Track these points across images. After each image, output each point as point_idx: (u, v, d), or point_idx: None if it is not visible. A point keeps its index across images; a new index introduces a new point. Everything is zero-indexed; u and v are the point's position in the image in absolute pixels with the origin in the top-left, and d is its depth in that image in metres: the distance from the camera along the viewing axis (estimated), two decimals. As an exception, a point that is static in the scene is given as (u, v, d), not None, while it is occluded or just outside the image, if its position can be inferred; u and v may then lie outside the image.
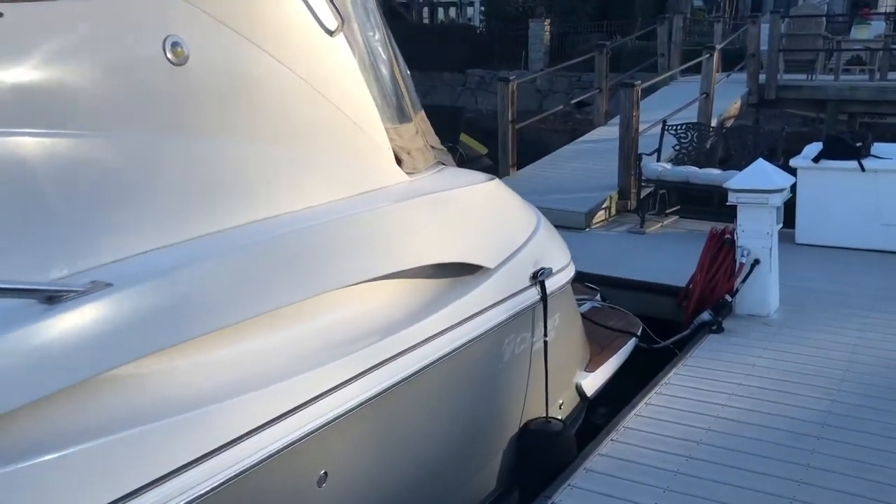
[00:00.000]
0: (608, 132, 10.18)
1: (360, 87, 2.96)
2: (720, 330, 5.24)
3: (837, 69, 13.11)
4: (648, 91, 13.04)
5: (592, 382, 4.51)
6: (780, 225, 5.54)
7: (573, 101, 12.12)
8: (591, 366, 4.62)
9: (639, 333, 5.23)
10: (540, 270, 3.53)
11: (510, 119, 9.01)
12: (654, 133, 8.66)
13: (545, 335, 3.57)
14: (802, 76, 13.08)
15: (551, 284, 3.68)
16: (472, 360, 3.08)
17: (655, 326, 6.08)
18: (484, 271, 3.18)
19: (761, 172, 5.43)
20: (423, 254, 2.86)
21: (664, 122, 8.53)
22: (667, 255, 7.07)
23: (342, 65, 2.89)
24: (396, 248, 2.78)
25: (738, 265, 5.46)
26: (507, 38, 23.42)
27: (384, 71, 3.35)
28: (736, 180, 5.48)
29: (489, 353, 3.20)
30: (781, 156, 7.80)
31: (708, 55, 10.04)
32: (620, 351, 4.97)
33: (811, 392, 4.27)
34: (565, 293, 4.01)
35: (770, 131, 8.53)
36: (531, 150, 10.92)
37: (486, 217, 3.32)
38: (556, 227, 8.01)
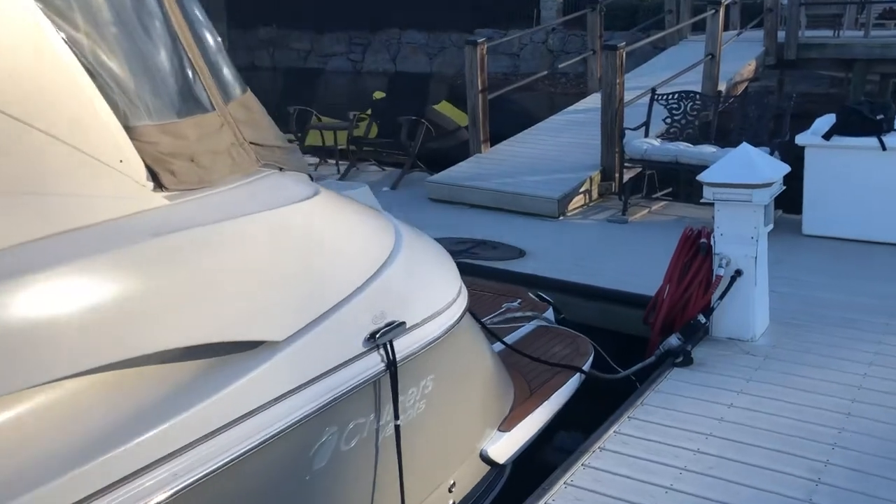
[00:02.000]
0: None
1: (51, 73, 1.95)
2: (687, 362, 4.17)
3: (868, 23, 11.70)
4: (651, 53, 11.84)
5: (509, 445, 3.48)
6: (770, 226, 4.43)
7: (561, 66, 10.88)
8: (512, 420, 3.58)
9: (586, 367, 4.18)
10: (385, 327, 2.50)
11: (480, 88, 7.88)
12: (645, 103, 7.48)
13: (396, 417, 2.54)
14: (828, 32, 11.70)
15: (413, 341, 2.65)
16: (247, 480, 2.07)
17: (622, 344, 5.05)
18: (268, 347, 2.16)
19: (744, 161, 4.30)
20: (128, 339, 1.84)
21: (653, 90, 7.35)
22: (649, 250, 5.95)
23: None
24: (58, 340, 1.75)
25: (714, 277, 4.37)
26: (518, -6, 22.03)
27: (142, 50, 2.32)
28: (712, 171, 4.36)
29: (283, 465, 2.19)
30: (789, 131, 6.61)
31: (713, 11, 8.77)
32: (558, 392, 3.93)
33: (791, 466, 3.21)
34: (454, 339, 2.98)
35: (777, 100, 7.30)
36: (515, 120, 9.79)
37: (283, 259, 2.28)
38: (526, 214, 7.17)
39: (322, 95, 18.87)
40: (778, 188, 4.38)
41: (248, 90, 2.95)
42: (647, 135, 7.21)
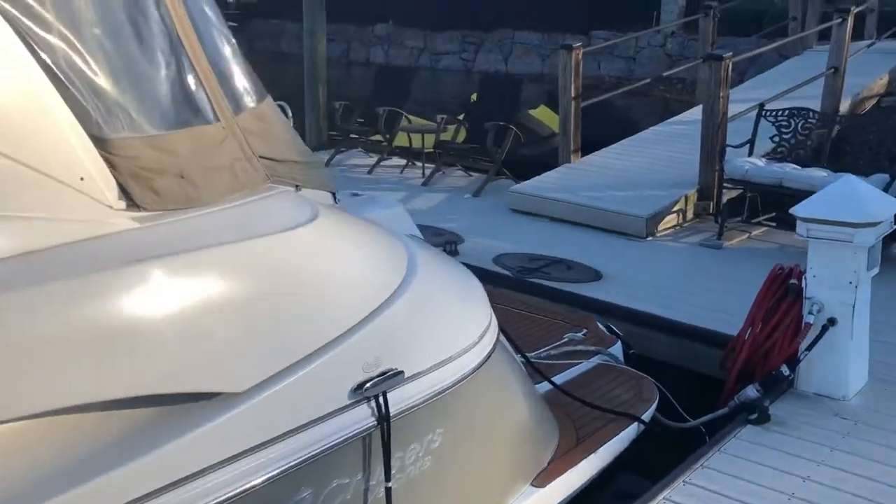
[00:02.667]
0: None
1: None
2: (764, 419, 3.67)
3: None
4: (777, 62, 10.99)
5: (542, 503, 3.10)
6: (875, 271, 3.85)
7: (665, 74, 10.26)
8: (549, 473, 3.20)
9: (646, 415, 3.74)
10: (379, 376, 2.18)
11: (573, 94, 7.44)
12: (752, 118, 6.86)
13: (387, 479, 2.22)
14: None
15: (416, 391, 2.33)
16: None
17: (697, 385, 4.57)
18: (225, 400, 1.88)
19: (847, 194, 3.74)
20: (36, 391, 1.60)
21: (761, 105, 6.72)
22: (742, 282, 5.35)
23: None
24: None
25: (803, 324, 3.84)
26: (639, -5, 21.23)
27: (130, 54, 2.10)
28: (809, 203, 3.82)
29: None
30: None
31: (840, 19, 8.01)
32: (609, 443, 3.51)
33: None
34: (473, 386, 2.63)
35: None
36: (617, 127, 9.26)
37: (254, 297, 1.99)
38: (612, 232, 6.69)
39: (426, 95, 18.75)
40: (888, 227, 3.80)
41: (268, 99, 2.69)
42: (751, 153, 6.60)
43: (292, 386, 1.99)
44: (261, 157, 2.52)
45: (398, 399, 2.25)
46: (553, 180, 7.36)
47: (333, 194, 2.84)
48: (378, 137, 8.87)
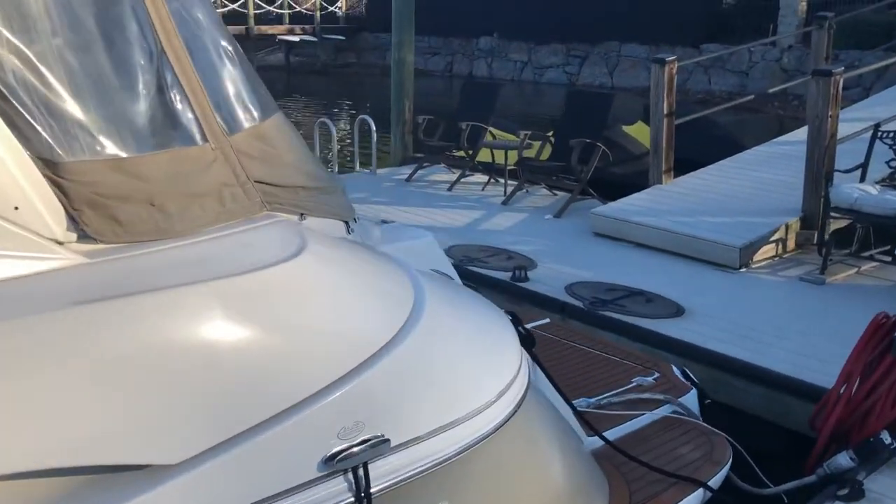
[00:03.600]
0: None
1: None
2: (856, 495, 3.13)
3: None
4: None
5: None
6: None
7: (771, 90, 9.52)
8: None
9: (715, 482, 3.26)
10: (359, 444, 1.85)
11: (666, 112, 6.93)
12: (865, 140, 6.19)
13: (362, 568, 1.88)
14: None
15: (410, 460, 1.98)
16: None
17: (786, 442, 4.06)
18: (154, 473, 1.59)
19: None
20: None
21: (876, 126, 6.04)
22: (845, 324, 4.77)
23: None
24: None
25: (910, 385, 3.28)
26: (754, 7, 20.23)
27: (98, 66, 1.87)
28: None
29: None
30: None
31: (975, 31, 7.17)
32: (668, 512, 3.07)
33: None
34: (488, 450, 2.26)
35: None
36: (720, 146, 8.64)
37: (201, 351, 1.70)
38: (702, 262, 6.13)
39: (525, 108, 18.36)
40: None
41: (276, 116, 2.40)
42: (862, 179, 5.93)
43: (244, 455, 1.69)
44: (258, 181, 2.24)
45: (386, 471, 1.91)
46: (640, 203, 6.87)
47: (347, 223, 2.54)
48: (462, 153, 8.58)
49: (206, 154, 2.08)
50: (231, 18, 27.81)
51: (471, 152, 8.42)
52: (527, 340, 2.90)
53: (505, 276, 5.63)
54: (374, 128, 8.86)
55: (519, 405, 2.42)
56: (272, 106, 2.45)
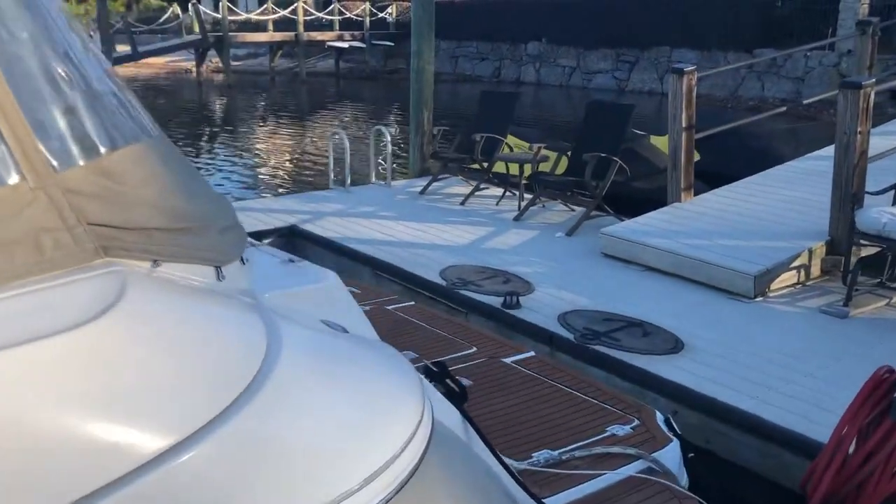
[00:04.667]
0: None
1: None
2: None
3: None
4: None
5: None
6: None
7: (807, 101, 8.91)
8: None
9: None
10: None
11: (685, 125, 6.47)
12: (902, 158, 5.64)
13: None
14: None
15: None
16: None
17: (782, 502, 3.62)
18: None
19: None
20: None
21: (912, 143, 5.49)
22: (870, 361, 4.24)
23: None
24: None
25: (910, 455, 2.81)
26: (811, 12, 19.37)
27: None
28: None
29: None
30: None
31: None
32: None
33: None
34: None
35: None
36: (756, 159, 8.11)
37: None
38: (715, 289, 5.64)
39: (560, 115, 17.86)
40: None
41: (135, 144, 2.08)
42: (895, 203, 5.39)
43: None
44: (96, 224, 1.92)
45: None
46: (654, 222, 6.41)
47: (218, 269, 2.22)
48: (475, 165, 8.24)
49: (20, 195, 1.78)
50: (281, 25, 28.00)
51: (485, 164, 8.07)
52: (456, 396, 2.55)
53: (497, 301, 5.27)
54: (388, 138, 8.58)
55: (402, 484, 2.07)
56: (133, 131, 2.14)
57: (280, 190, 11.79)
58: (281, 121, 20.00)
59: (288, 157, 15.20)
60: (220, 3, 26.45)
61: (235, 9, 28.47)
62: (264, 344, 1.88)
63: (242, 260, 2.35)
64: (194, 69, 27.96)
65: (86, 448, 1.53)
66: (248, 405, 1.71)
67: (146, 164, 2.13)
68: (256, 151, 15.87)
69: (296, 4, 26.82)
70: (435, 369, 2.72)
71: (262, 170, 14.05)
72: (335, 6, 28.35)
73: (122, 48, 24.59)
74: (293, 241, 7.13)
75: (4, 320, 1.58)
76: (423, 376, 2.35)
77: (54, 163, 1.84)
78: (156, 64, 29.58)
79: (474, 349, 4.25)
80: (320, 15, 28.22)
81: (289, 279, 2.50)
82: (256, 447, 1.73)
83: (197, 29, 26.26)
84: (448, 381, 2.62)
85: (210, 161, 14.47)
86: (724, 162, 8.13)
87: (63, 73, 1.98)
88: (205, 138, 17.55)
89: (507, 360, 4.20)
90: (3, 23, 1.86)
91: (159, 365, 1.68)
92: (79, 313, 1.63)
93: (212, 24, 26.91)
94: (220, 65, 27.24)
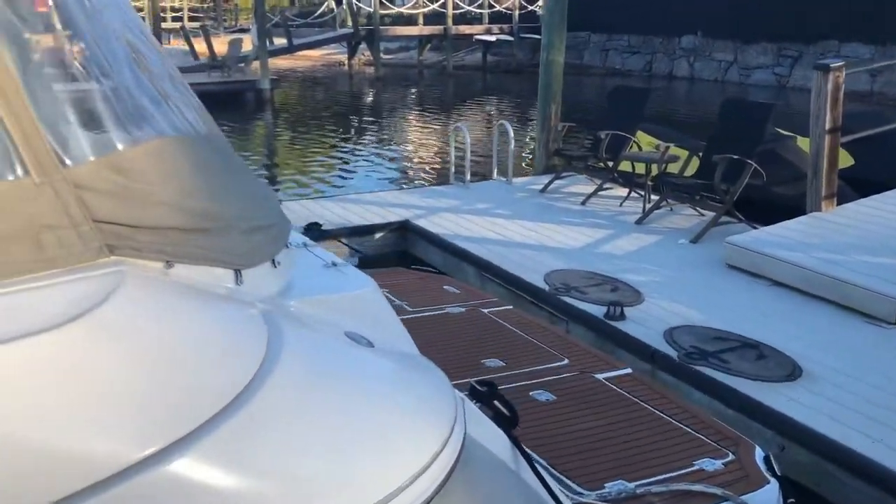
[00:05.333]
0: None
1: None
2: None
3: None
4: None
5: None
6: None
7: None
8: None
9: None
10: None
11: (829, 127, 5.84)
12: None
13: None
14: None
15: None
16: None
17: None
18: None
19: None
20: None
21: None
22: None
23: None
24: None
25: None
26: None
27: None
28: None
29: None
30: None
31: None
32: None
33: None
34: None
35: None
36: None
37: None
38: (851, 311, 5.03)
39: (700, 111, 16.89)
40: None
41: (151, 142, 1.99)
42: None
43: None
44: (105, 222, 1.84)
45: None
46: (788, 233, 5.84)
47: (237, 272, 2.09)
48: (600, 164, 7.87)
49: (24, 190, 1.72)
50: (433, 19, 28.26)
51: (610, 163, 7.68)
52: (505, 420, 2.33)
53: (599, 311, 4.94)
54: (511, 134, 8.35)
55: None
56: (156, 127, 2.05)
57: (416, 182, 11.82)
58: (425, 114, 20.16)
59: (425, 151, 15.27)
60: (373, -2, 27.03)
61: (389, 3, 29.00)
62: (261, 355, 1.73)
63: (274, 262, 2.20)
64: (346, 62, 28.78)
65: (38, 460, 1.43)
66: (229, 420, 1.56)
67: (169, 161, 2.00)
68: (398, 144, 16.05)
69: (446, -2, 26.99)
70: (481, 388, 2.50)
71: (400, 163, 14.17)
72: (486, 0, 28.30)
73: (280, 41, 25.57)
74: (405, 235, 7.06)
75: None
76: (464, 396, 2.14)
77: (64, 157, 1.76)
78: (312, 56, 30.61)
79: (566, 361, 3.98)
80: (470, 8, 28.26)
81: (325, 285, 2.35)
82: (229, 467, 1.58)
83: (350, 23, 26.98)
84: (495, 402, 2.40)
85: (358, 152, 14.77)
86: (882, 168, 7.35)
87: (84, 66, 1.89)
88: (353, 129, 17.95)
89: (600, 377, 3.90)
90: (16, 8, 1.79)
91: (127, 375, 1.56)
92: (47, 319, 1.53)
93: (366, 17, 27.55)
94: (371, 58, 27.84)
